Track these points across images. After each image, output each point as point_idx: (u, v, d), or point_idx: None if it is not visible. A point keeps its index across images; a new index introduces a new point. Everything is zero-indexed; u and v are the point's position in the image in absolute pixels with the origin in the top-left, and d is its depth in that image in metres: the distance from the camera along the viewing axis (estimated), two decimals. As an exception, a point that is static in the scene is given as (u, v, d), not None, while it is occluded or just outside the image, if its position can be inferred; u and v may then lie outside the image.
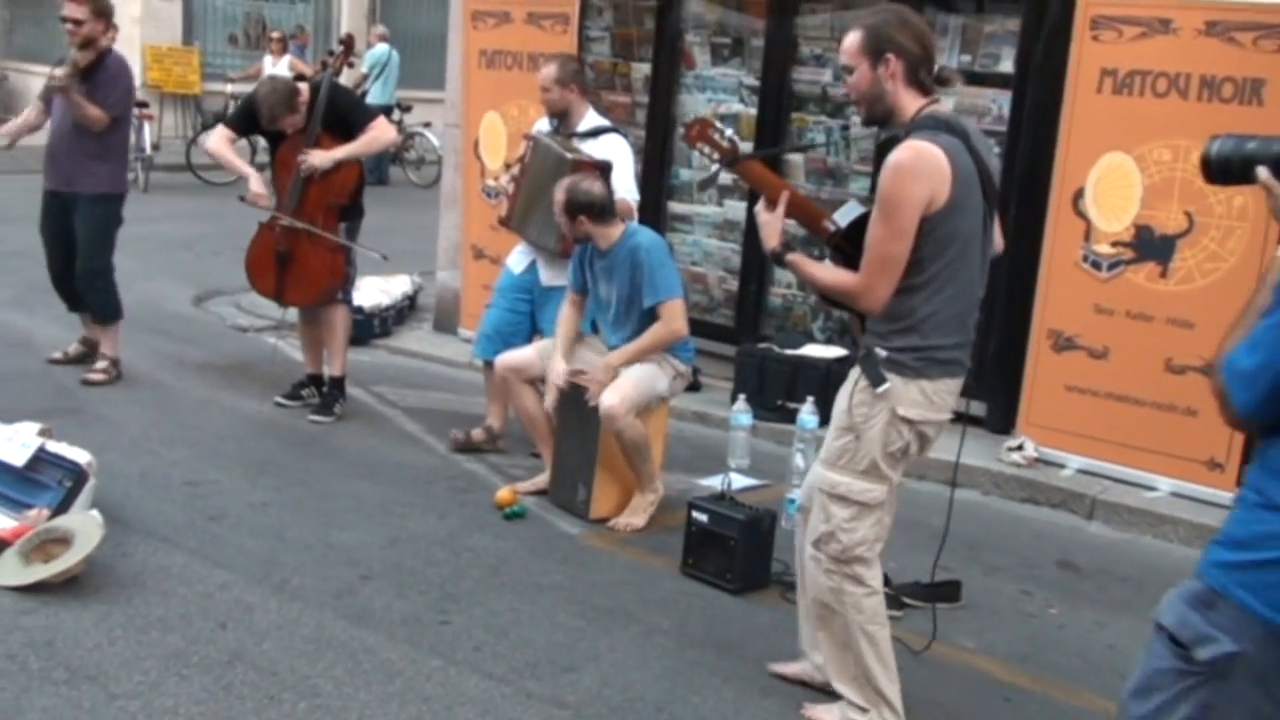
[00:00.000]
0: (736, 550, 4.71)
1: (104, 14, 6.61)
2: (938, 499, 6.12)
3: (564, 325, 5.49)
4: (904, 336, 3.41)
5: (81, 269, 6.73)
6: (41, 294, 8.04)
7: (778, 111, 7.38)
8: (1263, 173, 2.31)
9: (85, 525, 4.36)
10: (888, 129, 3.59)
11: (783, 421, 6.51)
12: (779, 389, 6.85)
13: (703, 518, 4.82)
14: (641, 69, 7.95)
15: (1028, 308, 6.43)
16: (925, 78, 3.43)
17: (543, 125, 6.14)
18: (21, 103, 17.70)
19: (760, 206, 3.69)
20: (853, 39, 3.45)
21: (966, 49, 6.82)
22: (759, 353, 7.02)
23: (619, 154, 5.81)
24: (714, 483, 5.55)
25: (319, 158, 6.21)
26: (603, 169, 5.56)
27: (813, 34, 7.36)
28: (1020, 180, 6.59)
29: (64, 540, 4.30)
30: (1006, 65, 6.69)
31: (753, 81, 7.50)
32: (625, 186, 5.70)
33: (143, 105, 11.98)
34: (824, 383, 6.66)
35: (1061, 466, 6.31)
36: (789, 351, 7.00)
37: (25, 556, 4.27)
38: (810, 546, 3.66)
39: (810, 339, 7.31)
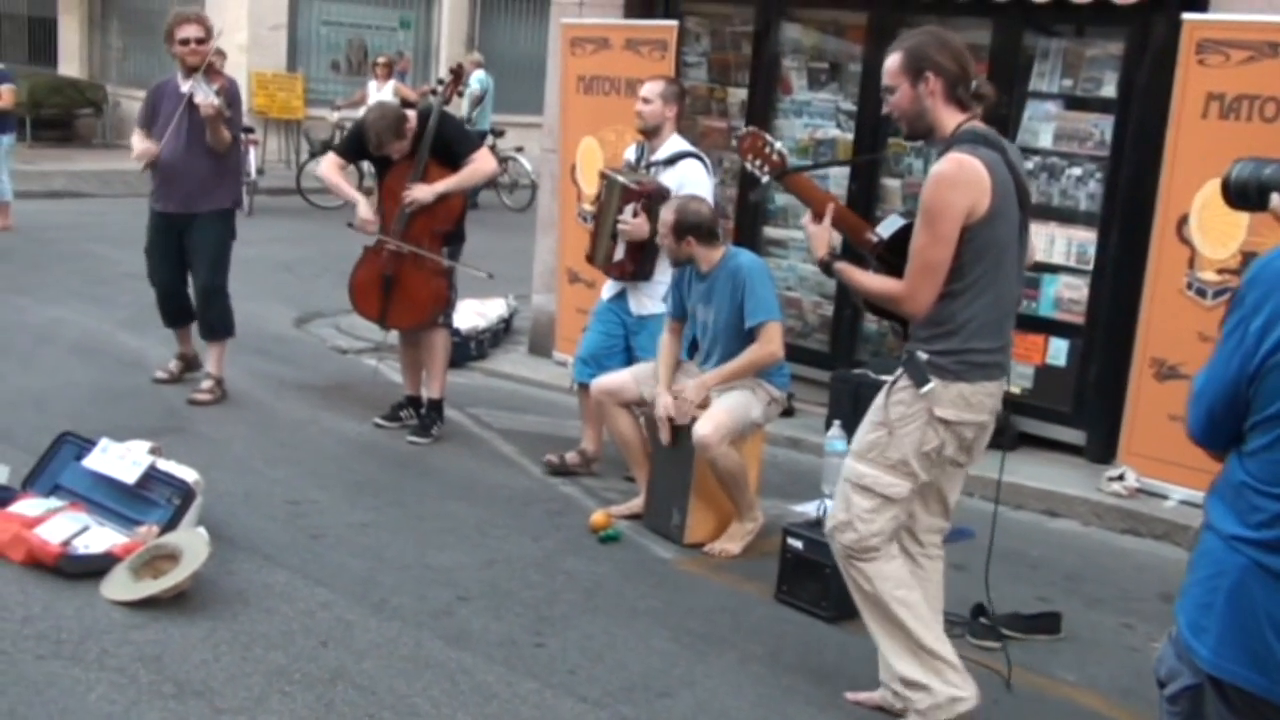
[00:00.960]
0: (832, 578, 4.66)
1: (214, 34, 6.81)
2: (1035, 528, 6.07)
3: (664, 354, 5.49)
4: (944, 340, 3.57)
5: (204, 285, 6.89)
6: (152, 314, 8.25)
7: (874, 137, 7.36)
8: (1275, 199, 2.30)
9: (193, 542, 4.47)
10: (931, 144, 3.72)
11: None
12: (875, 416, 6.79)
13: (798, 544, 4.81)
14: (738, 94, 7.98)
15: (1130, 335, 6.34)
16: (963, 94, 3.60)
17: (630, 153, 6.21)
18: (131, 129, 18.25)
19: (807, 218, 3.88)
20: (894, 60, 3.62)
21: (1068, 73, 6.75)
22: (854, 378, 6.98)
23: (694, 179, 5.79)
24: (809, 509, 5.53)
25: (422, 192, 6.31)
26: (652, 195, 5.58)
27: (910, 59, 7.32)
28: (1123, 206, 6.52)
29: (172, 556, 4.41)
30: (1109, 90, 6.61)
31: (849, 107, 7.49)
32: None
33: (248, 130, 12.26)
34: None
35: (1164, 497, 6.19)
36: (884, 377, 6.89)
37: (135, 572, 4.39)
38: (827, 533, 3.85)
39: (906, 365, 7.24)
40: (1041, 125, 6.85)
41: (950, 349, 3.57)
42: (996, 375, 3.67)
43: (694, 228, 5.26)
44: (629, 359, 5.96)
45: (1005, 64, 6.91)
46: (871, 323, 7.57)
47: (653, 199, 5.61)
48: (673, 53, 7.58)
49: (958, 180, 3.45)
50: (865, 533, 3.72)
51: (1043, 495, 6.35)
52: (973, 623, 4.68)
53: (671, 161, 5.91)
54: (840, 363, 7.35)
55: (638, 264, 5.85)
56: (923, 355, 3.60)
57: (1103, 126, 6.64)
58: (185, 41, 6.61)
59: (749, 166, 3.99)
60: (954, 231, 3.46)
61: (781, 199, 7.85)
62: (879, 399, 3.75)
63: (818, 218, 3.82)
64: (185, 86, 6.64)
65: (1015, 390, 7.02)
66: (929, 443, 3.64)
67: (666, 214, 5.32)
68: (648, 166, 5.95)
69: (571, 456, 6.25)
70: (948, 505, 3.98)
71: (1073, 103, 6.77)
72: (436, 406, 6.69)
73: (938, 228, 3.46)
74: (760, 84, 7.81)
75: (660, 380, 5.41)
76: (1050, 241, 6.85)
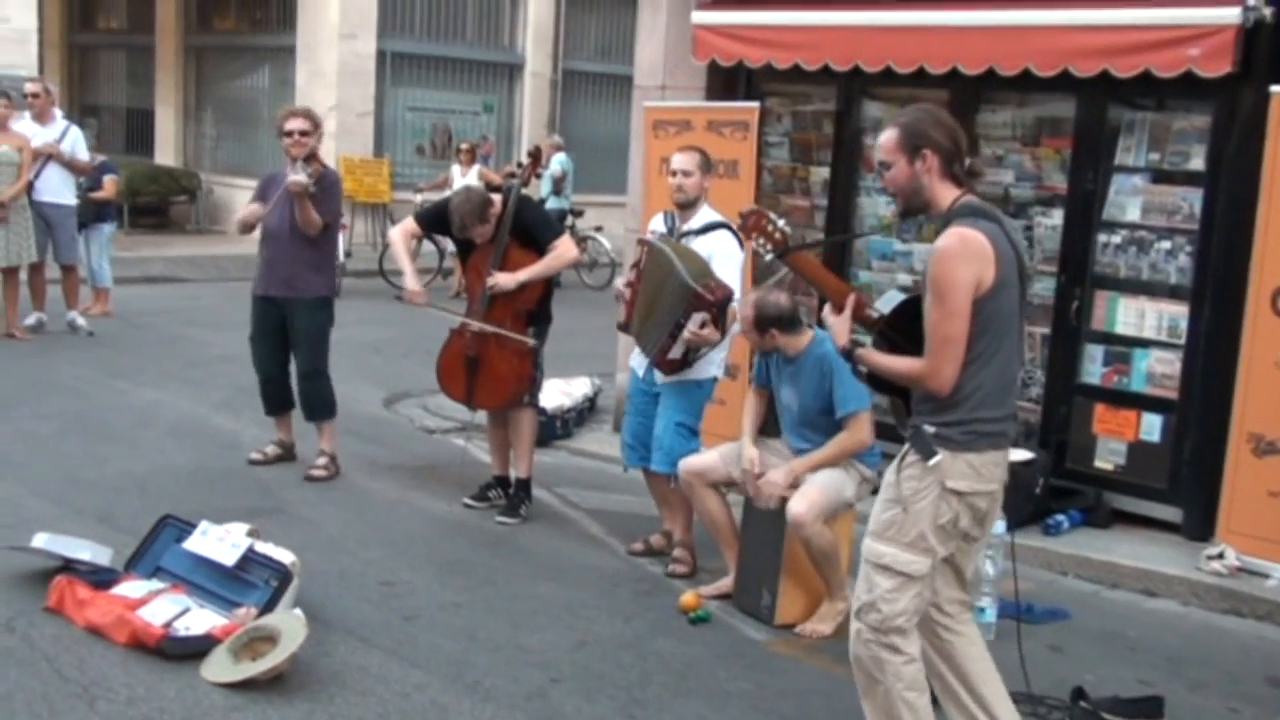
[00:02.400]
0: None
1: (320, 126, 7.04)
2: (1133, 608, 5.96)
3: (749, 414, 5.57)
4: (950, 411, 3.60)
5: (305, 370, 7.08)
6: (248, 397, 8.42)
7: (958, 213, 7.35)
8: None
9: (290, 624, 4.53)
10: (928, 220, 3.82)
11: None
12: (964, 492, 6.72)
13: (891, 626, 4.75)
14: (820, 173, 8.03)
15: (1225, 410, 6.24)
16: (958, 170, 3.68)
17: (658, 223, 6.25)
18: (225, 215, 18.78)
19: (828, 310, 3.90)
20: (890, 136, 3.71)
21: (1154, 147, 6.72)
22: (943, 455, 6.91)
23: (724, 249, 5.80)
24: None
25: (505, 280, 6.41)
26: (722, 305, 5.57)
27: (994, 134, 7.35)
28: (1215, 279, 6.45)
29: (271, 639, 4.47)
30: (1196, 162, 6.58)
31: (932, 184, 7.49)
32: (735, 287, 5.70)
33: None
34: (1010, 486, 6.47)
35: (1266, 576, 6.04)
36: (973, 454, 6.88)
37: (235, 654, 4.45)
38: (852, 617, 3.80)
39: (995, 441, 7.17)
40: (1129, 199, 6.81)
41: (957, 419, 3.60)
42: (1002, 444, 3.70)
43: (776, 320, 5.29)
44: None
45: (1090, 138, 6.90)
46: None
47: (723, 308, 5.60)
48: (755, 133, 7.66)
49: (962, 254, 3.51)
50: (890, 613, 3.68)
51: (1140, 574, 6.23)
52: (1073, 707, 4.59)
53: (703, 231, 5.94)
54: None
55: (687, 363, 5.85)
56: (929, 429, 3.63)
57: (1191, 199, 6.59)
58: (290, 134, 6.86)
59: (754, 245, 4.06)
60: (966, 304, 3.51)
61: (865, 275, 7.85)
62: (889, 476, 3.77)
63: (838, 309, 3.83)
64: (289, 174, 6.86)
65: (1108, 466, 6.97)
66: (943, 515, 3.64)
67: (746, 309, 5.36)
68: (679, 236, 5.99)
69: (656, 539, 6.25)
70: (964, 578, 3.94)
71: (1160, 176, 6.73)
72: (525, 486, 6.74)
73: (949, 302, 3.51)
74: (842, 162, 7.86)
75: (745, 436, 5.48)
76: (1141, 315, 6.79)
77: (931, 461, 3.60)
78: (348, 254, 15.18)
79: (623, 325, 6.13)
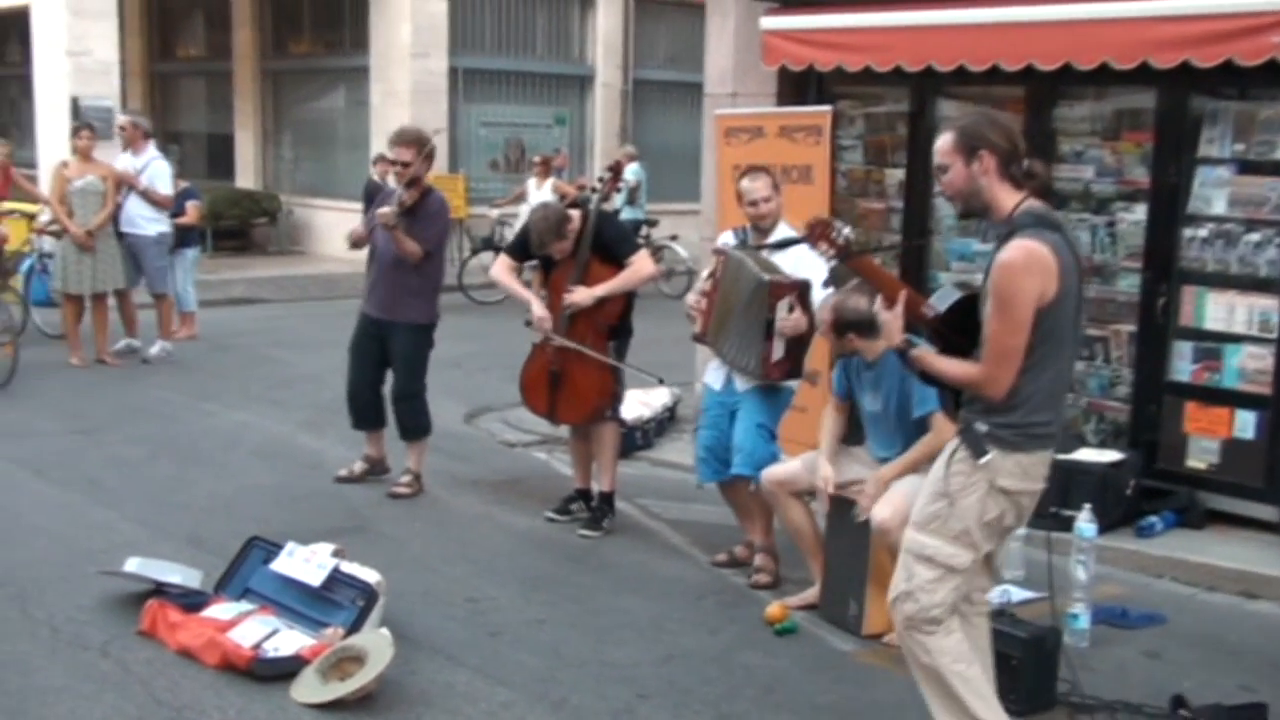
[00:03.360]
0: (1020, 670, 4.55)
1: (430, 156, 7.04)
2: (1233, 612, 5.81)
3: (828, 430, 5.49)
4: (1005, 414, 3.65)
5: (400, 391, 7.16)
6: (330, 415, 8.55)
7: (1038, 210, 7.23)
8: None
9: (377, 643, 4.56)
10: (989, 222, 3.83)
11: (1057, 530, 6.26)
12: (1052, 496, 6.50)
13: (981, 635, 4.67)
14: (895, 175, 7.95)
15: (1326, 405, 6.06)
16: (1016, 172, 3.70)
17: (727, 238, 6.20)
18: (305, 235, 19.09)
19: (879, 305, 3.92)
20: (946, 139, 3.74)
21: (1239, 137, 6.56)
22: (1030, 458, 6.80)
23: (811, 265, 5.66)
24: (991, 596, 5.37)
25: (582, 296, 6.42)
26: (801, 288, 5.54)
27: (1072, 129, 7.22)
28: (1307, 271, 6.27)
29: (358, 658, 4.51)
30: (1284, 151, 6.41)
31: (1011, 182, 7.37)
32: (821, 298, 5.59)
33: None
34: (1100, 488, 6.42)
35: (1370, 575, 5.87)
36: (1061, 456, 6.73)
37: (324, 674, 4.49)
38: (889, 605, 3.89)
39: (1083, 442, 7.05)
40: (1214, 192, 6.66)
41: (1011, 422, 3.65)
42: (1050, 445, 3.76)
43: (854, 324, 5.21)
44: None
45: (1171, 131, 6.75)
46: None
47: (804, 292, 5.58)
48: (828, 138, 7.59)
49: (1027, 268, 3.55)
50: (927, 603, 3.76)
51: (1238, 576, 6.08)
52: (1172, 715, 4.49)
53: (782, 246, 5.88)
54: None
55: (795, 361, 5.81)
56: (981, 427, 3.67)
57: (1279, 190, 6.42)
58: (394, 163, 7.00)
59: (817, 252, 4.12)
60: (1029, 317, 3.56)
61: (943, 276, 7.74)
62: (938, 469, 3.83)
63: (890, 303, 3.87)
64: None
65: (1201, 465, 6.81)
66: (990, 512, 3.71)
67: (824, 313, 5.31)
68: (757, 249, 5.94)
69: (740, 550, 6.21)
70: (992, 566, 4.05)
71: (1246, 167, 6.56)
72: (607, 499, 6.74)
73: (1012, 316, 3.56)
74: (918, 163, 7.76)
75: (823, 450, 5.43)
76: (1230, 311, 6.63)
77: (983, 460, 3.66)
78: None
79: (698, 336, 6.10)
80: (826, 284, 4.70)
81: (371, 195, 7.25)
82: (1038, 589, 5.75)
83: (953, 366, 3.74)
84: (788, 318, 5.63)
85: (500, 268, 6.85)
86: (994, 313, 3.59)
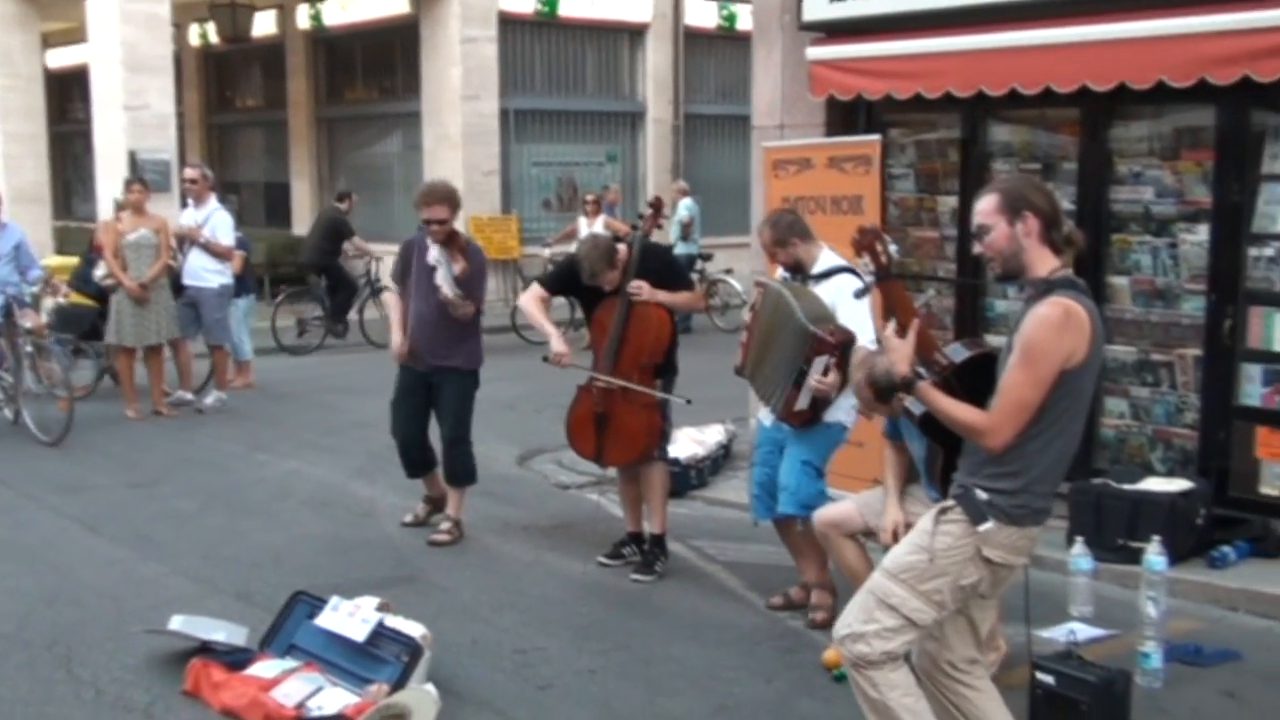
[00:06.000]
0: (1090, 715, 4.35)
1: (457, 207, 6.97)
2: (1261, 632, 5.55)
3: (891, 470, 5.28)
4: (1009, 480, 3.61)
5: (449, 436, 7.09)
6: (382, 463, 8.49)
7: (1096, 233, 7.03)
8: None
9: (422, 701, 4.46)
10: (1022, 284, 3.78)
11: (1124, 562, 6.06)
12: (1119, 527, 6.39)
13: (1049, 679, 4.49)
14: (948, 202, 7.79)
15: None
16: (1057, 238, 3.69)
17: (781, 270, 6.08)
18: (358, 280, 19.10)
19: (891, 331, 3.86)
20: (990, 200, 3.71)
21: (1298, 151, 6.34)
22: (1094, 489, 6.59)
23: (848, 301, 5.46)
24: (1056, 635, 5.19)
25: (644, 288, 6.33)
26: (843, 346, 5.37)
27: (1130, 150, 7.03)
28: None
29: (402, 716, 4.41)
30: (1347, 166, 6.18)
31: (1068, 205, 7.18)
32: (863, 333, 5.41)
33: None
34: (1169, 519, 6.20)
35: None
36: (1127, 486, 6.55)
37: (367, 733, 4.40)
38: (835, 641, 3.83)
39: (1150, 471, 6.83)
40: (1279, 209, 6.43)
41: (1013, 489, 3.62)
42: (1043, 520, 3.73)
43: (887, 390, 4.96)
44: None
45: (1232, 148, 6.55)
46: (1108, 429, 7.17)
47: (845, 351, 5.41)
48: (878, 167, 7.44)
49: (1064, 325, 3.53)
50: (878, 649, 3.72)
51: (1256, 598, 5.83)
52: (1252, 761, 4.26)
53: (825, 275, 5.75)
54: (1078, 473, 6.94)
55: (817, 413, 5.65)
56: (982, 495, 3.63)
57: (1348, 205, 6.20)
58: (429, 223, 6.82)
59: (860, 263, 4.09)
60: (1053, 375, 3.52)
61: (1000, 305, 7.57)
62: (924, 523, 3.77)
63: (902, 330, 3.80)
64: (432, 255, 6.86)
65: (1274, 492, 6.55)
66: (968, 578, 3.69)
67: (858, 374, 5.08)
68: (804, 279, 5.81)
69: (795, 592, 6.05)
70: (979, 635, 3.91)
71: (1303, 182, 6.35)
72: (659, 542, 6.61)
73: (1038, 369, 3.53)
74: (970, 190, 7.55)
75: (890, 493, 5.20)
76: (1300, 332, 6.40)
77: (982, 528, 3.63)
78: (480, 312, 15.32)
79: (739, 369, 5.97)
80: (858, 295, 4.56)
81: (406, 258, 7.11)
82: (1106, 627, 5.56)
83: (958, 408, 3.67)
84: (822, 380, 5.43)
85: (529, 297, 6.77)
86: (1018, 364, 3.56)
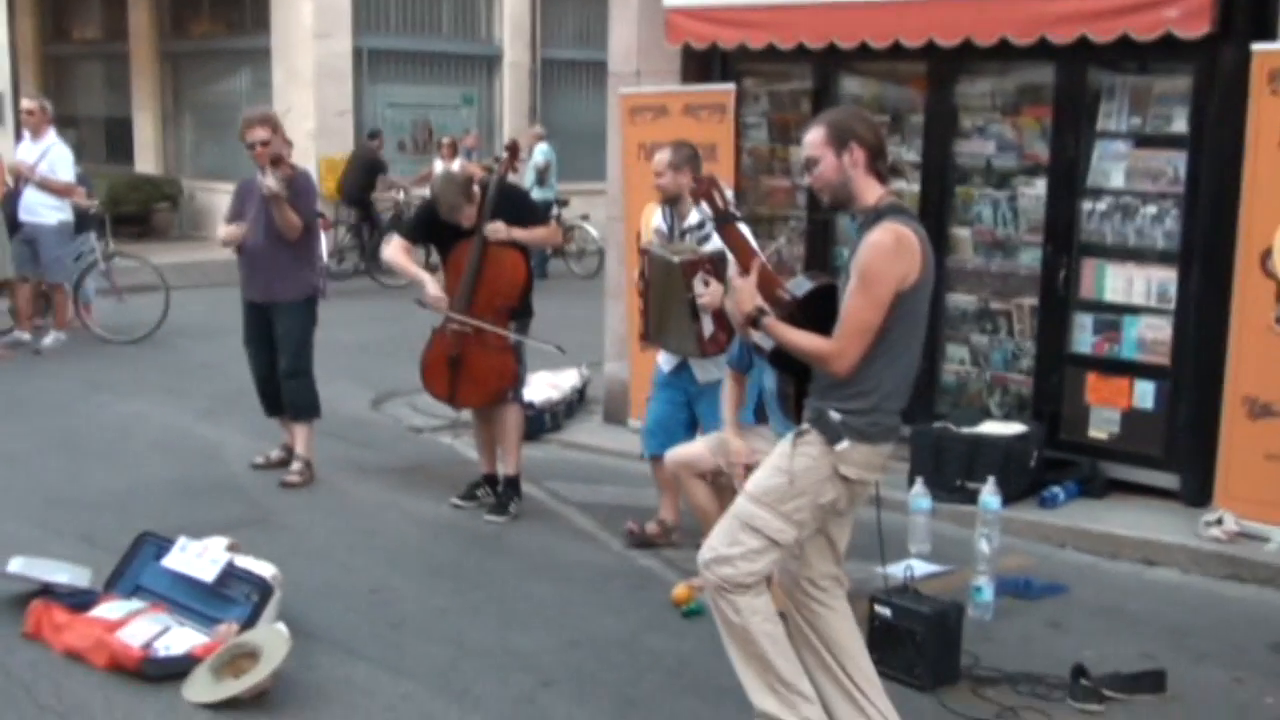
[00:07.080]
0: (924, 645, 4.55)
1: (279, 129, 7.02)
2: (1133, 579, 5.89)
3: (729, 399, 5.50)
4: (858, 399, 3.75)
5: (286, 369, 7.04)
6: (229, 404, 8.36)
7: (941, 186, 7.25)
8: None
9: (272, 639, 4.44)
10: (851, 213, 3.93)
11: (962, 503, 6.31)
12: (957, 469, 6.64)
13: (886, 612, 4.68)
14: (799, 152, 7.88)
15: (1218, 375, 6.15)
16: (882, 167, 3.83)
17: (657, 220, 6.16)
18: (207, 219, 18.62)
19: (734, 273, 4.02)
20: (817, 133, 3.82)
21: (1136, 111, 6.62)
22: (934, 432, 6.84)
23: (717, 239, 5.67)
24: (895, 571, 5.39)
25: (499, 228, 6.33)
26: (714, 261, 5.49)
27: (974, 105, 7.24)
28: (1202, 242, 6.37)
29: (253, 655, 4.38)
30: (1179, 125, 6.48)
31: (914, 157, 7.39)
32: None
33: (320, 216, 12.39)
34: (1004, 461, 6.46)
35: (1266, 540, 5.96)
36: (965, 430, 6.80)
37: (217, 672, 4.37)
38: (701, 566, 3.92)
39: (988, 415, 7.10)
40: (1112, 165, 6.72)
41: (865, 409, 3.75)
42: (893, 438, 3.89)
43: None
44: (693, 425, 5.92)
45: (1070, 105, 6.79)
46: (949, 374, 7.43)
47: (716, 264, 5.52)
48: (731, 115, 7.55)
49: (898, 249, 3.66)
50: (744, 570, 3.82)
51: (1138, 544, 6.15)
52: (1073, 685, 4.51)
53: (701, 227, 5.81)
54: (919, 416, 7.18)
55: (729, 331, 5.74)
56: (836, 415, 3.75)
57: (1175, 163, 6.49)
58: (252, 145, 6.83)
59: (699, 210, 4.05)
60: (889, 297, 3.66)
61: (847, 252, 7.73)
62: (783, 446, 3.89)
63: (745, 271, 3.92)
64: (259, 179, 6.81)
65: (1102, 435, 6.88)
66: (825, 496, 3.81)
67: (728, 303, 5.20)
68: (682, 234, 5.90)
69: (651, 527, 6.17)
70: (838, 552, 4.08)
71: (1143, 140, 6.63)
72: (513, 483, 6.66)
73: (874, 292, 3.66)
74: (821, 140, 7.73)
75: (727, 423, 5.43)
76: (1129, 282, 6.71)
77: (839, 447, 3.75)
78: (333, 255, 15.08)
79: (644, 336, 6.01)
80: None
81: (241, 198, 7.08)
82: (943, 563, 5.80)
83: (803, 338, 3.79)
84: (705, 292, 5.54)
85: (394, 248, 6.71)
86: (856, 289, 3.69)
